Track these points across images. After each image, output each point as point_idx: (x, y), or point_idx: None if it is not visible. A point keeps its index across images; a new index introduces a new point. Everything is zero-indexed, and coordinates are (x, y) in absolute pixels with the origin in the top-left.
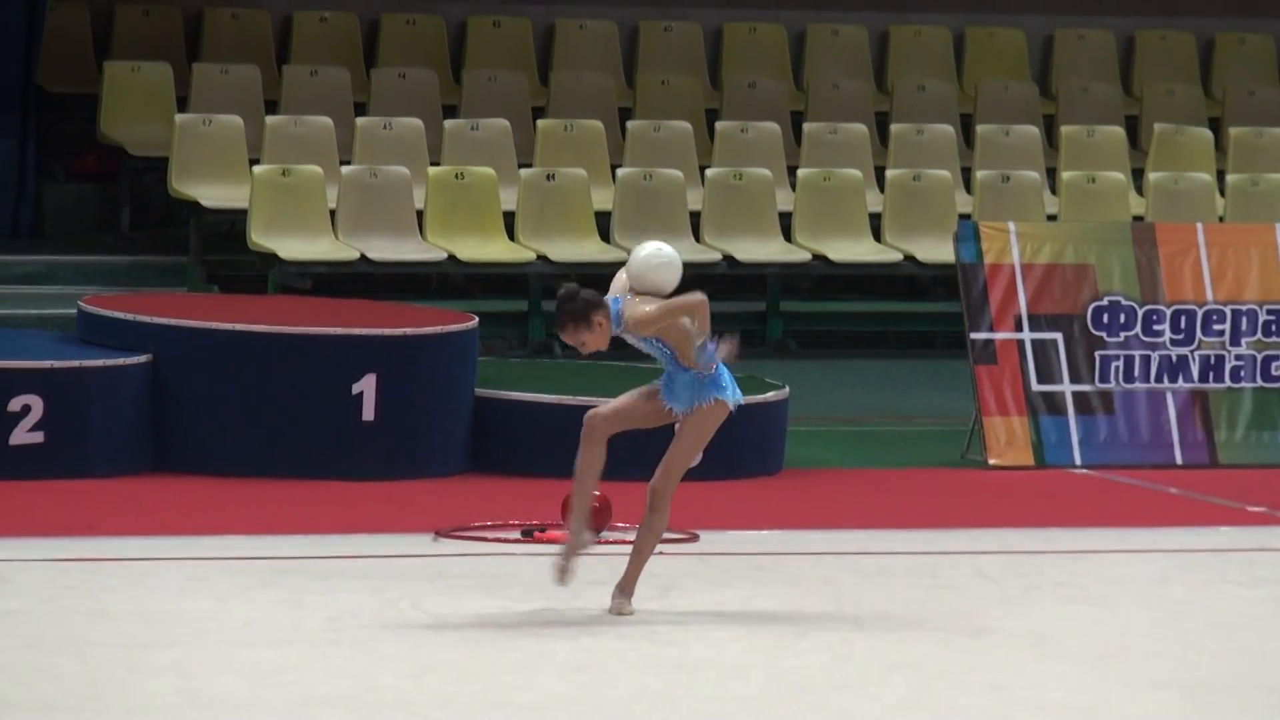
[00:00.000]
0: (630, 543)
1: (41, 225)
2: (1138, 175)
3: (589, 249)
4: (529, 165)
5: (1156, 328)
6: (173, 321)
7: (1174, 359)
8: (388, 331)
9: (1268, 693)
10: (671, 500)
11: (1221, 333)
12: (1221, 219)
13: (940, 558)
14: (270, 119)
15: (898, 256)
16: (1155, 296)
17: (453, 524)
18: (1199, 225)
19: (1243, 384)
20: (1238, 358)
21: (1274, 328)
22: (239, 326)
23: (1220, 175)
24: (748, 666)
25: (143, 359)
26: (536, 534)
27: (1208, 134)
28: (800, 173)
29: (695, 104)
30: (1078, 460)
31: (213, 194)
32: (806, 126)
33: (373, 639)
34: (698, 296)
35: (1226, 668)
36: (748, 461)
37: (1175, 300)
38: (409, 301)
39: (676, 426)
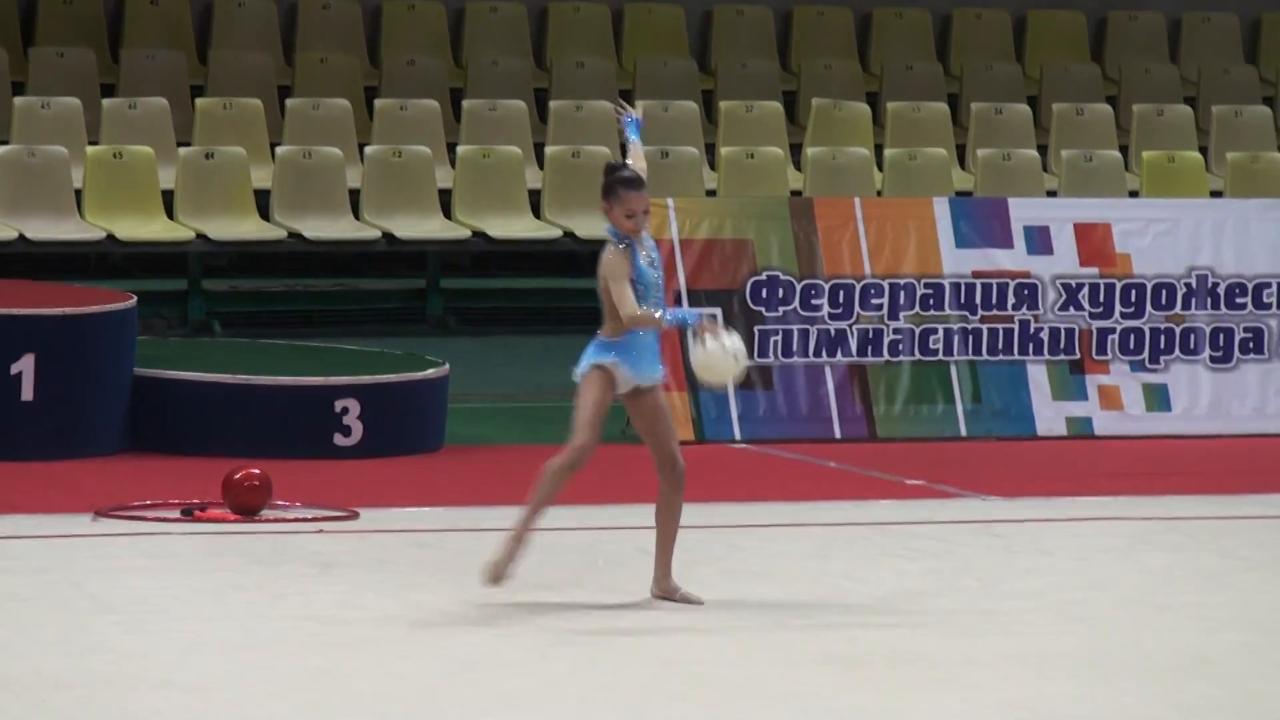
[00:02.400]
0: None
1: None
2: (796, 150)
3: (248, 227)
4: (188, 144)
5: (815, 302)
6: None
7: (832, 333)
8: (46, 311)
9: (928, 666)
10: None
11: (879, 307)
12: (880, 193)
13: (602, 532)
14: None
15: (557, 233)
16: (813, 271)
17: (112, 503)
18: (857, 200)
19: (901, 358)
20: (896, 331)
21: (931, 302)
22: None
23: (878, 150)
24: (409, 643)
25: None
26: (197, 513)
27: (866, 109)
28: (460, 150)
29: (354, 82)
30: (737, 435)
31: None
32: (466, 104)
33: (33, 621)
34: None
35: (886, 640)
36: (408, 439)
37: (833, 275)
38: (69, 281)
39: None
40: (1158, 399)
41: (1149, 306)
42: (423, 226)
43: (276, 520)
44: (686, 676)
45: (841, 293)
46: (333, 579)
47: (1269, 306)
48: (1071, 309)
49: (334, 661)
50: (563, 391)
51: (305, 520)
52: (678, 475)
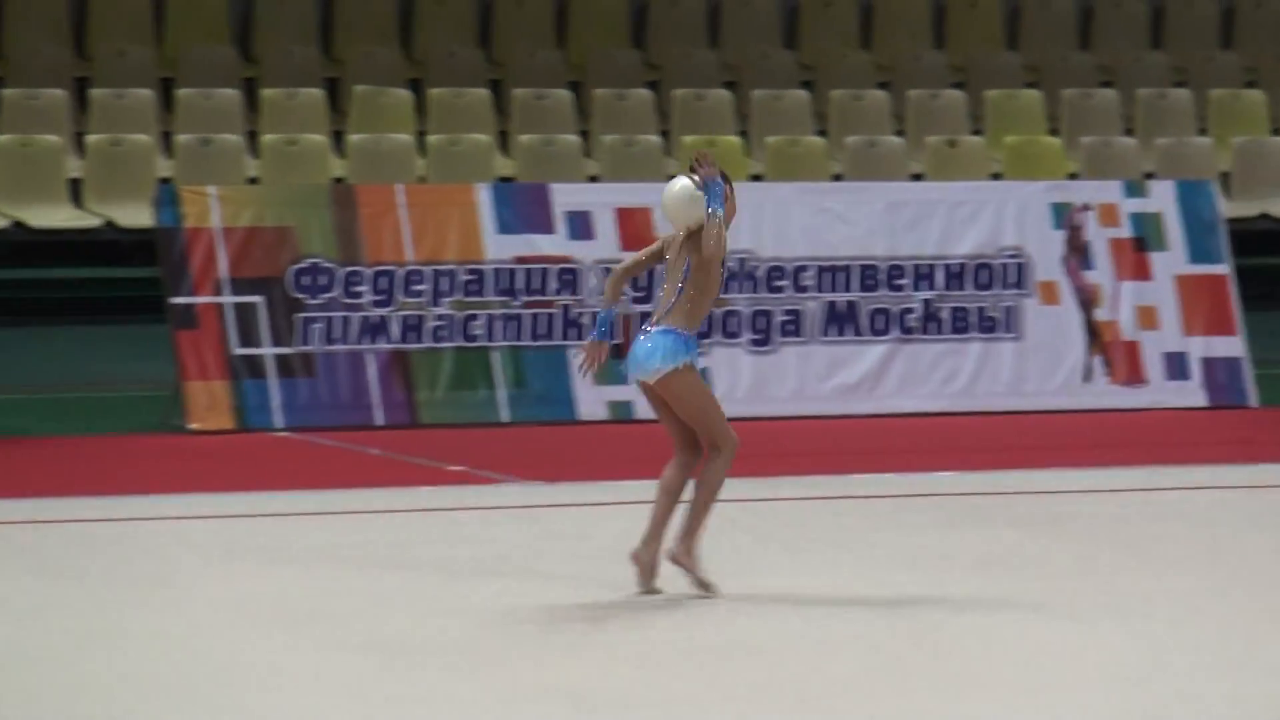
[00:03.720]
0: None
1: None
2: (339, 137)
3: None
4: None
5: (357, 289)
6: None
7: (375, 320)
8: None
9: (463, 652)
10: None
11: (422, 293)
12: (422, 180)
13: (141, 524)
14: None
15: (98, 222)
16: (356, 258)
17: None
18: (399, 186)
19: (443, 344)
20: (438, 318)
21: (474, 288)
22: None
23: (421, 136)
24: None
25: None
26: None
27: (409, 95)
28: (2, 139)
29: None
30: (279, 423)
31: None
32: (4, 93)
33: None
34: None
35: (413, 628)
36: None
37: (376, 261)
38: None
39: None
40: None
41: None
42: None
43: None
44: (230, 667)
45: (384, 279)
46: None
47: (807, 289)
48: None
49: None
50: (103, 382)
51: None
52: (728, 450)
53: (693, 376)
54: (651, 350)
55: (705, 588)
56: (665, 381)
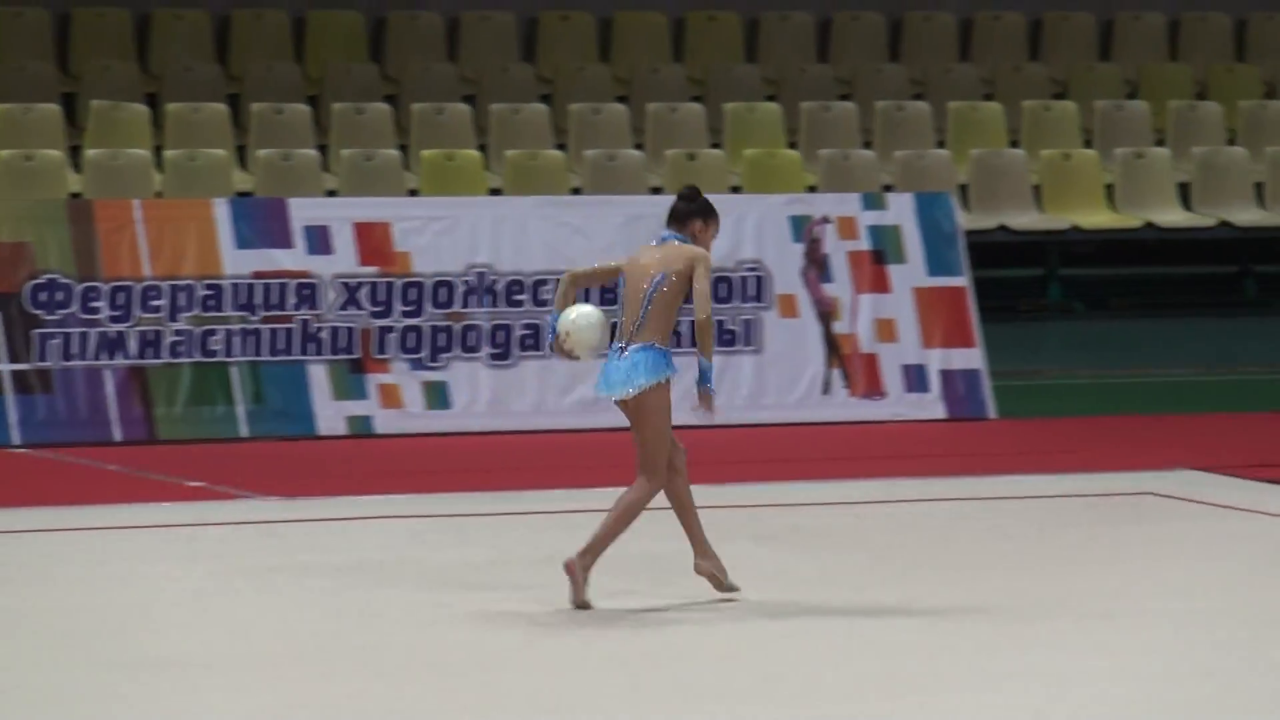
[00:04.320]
0: None
1: None
2: (76, 152)
3: None
4: None
5: (94, 305)
6: None
7: (112, 336)
8: None
9: (206, 667)
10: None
11: (160, 309)
12: (160, 195)
13: None
14: None
15: None
16: (93, 273)
17: None
18: (136, 201)
19: (181, 359)
20: (177, 333)
21: (212, 303)
22: None
23: (158, 151)
24: None
25: None
26: None
27: (145, 110)
28: None
29: None
30: (17, 439)
31: None
32: None
33: None
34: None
35: (167, 643)
36: None
37: (113, 277)
38: None
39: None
40: (438, 396)
41: (429, 305)
42: None
43: None
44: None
45: (121, 295)
46: None
47: (546, 303)
48: (352, 308)
49: None
50: None
51: None
52: (680, 460)
53: (666, 398)
54: (634, 366)
55: (583, 605)
56: (643, 396)
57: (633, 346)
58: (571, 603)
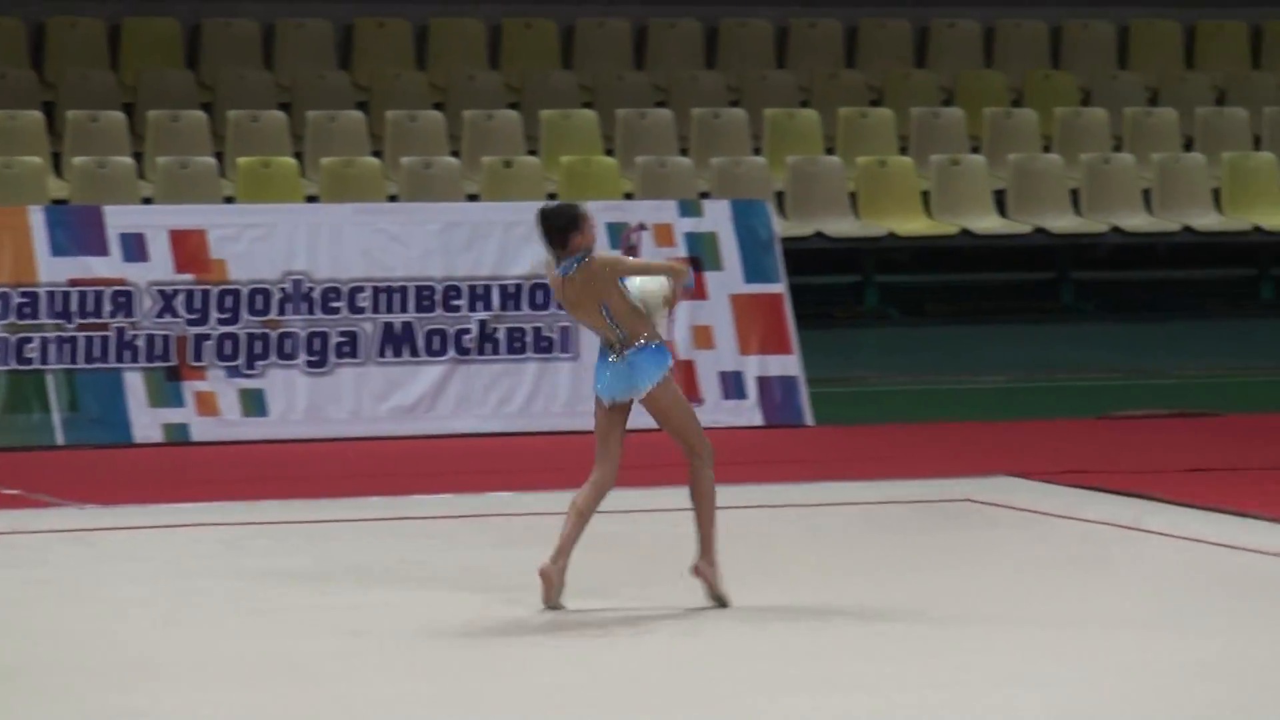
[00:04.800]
0: None
1: None
2: None
3: None
4: None
5: None
6: None
7: None
8: None
9: (34, 675)
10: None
11: None
12: None
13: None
14: None
15: None
16: None
17: None
18: None
19: None
20: None
21: (27, 310)
22: None
23: None
24: None
25: None
26: None
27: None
28: None
29: None
30: None
31: None
32: None
33: None
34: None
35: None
36: None
37: None
38: None
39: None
40: (254, 404)
41: (245, 312)
42: None
43: None
44: None
45: None
46: None
47: (363, 310)
48: (168, 316)
49: None
50: None
51: None
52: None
53: (675, 388)
54: (632, 367)
55: (720, 600)
56: (654, 395)
57: (629, 351)
58: (708, 600)
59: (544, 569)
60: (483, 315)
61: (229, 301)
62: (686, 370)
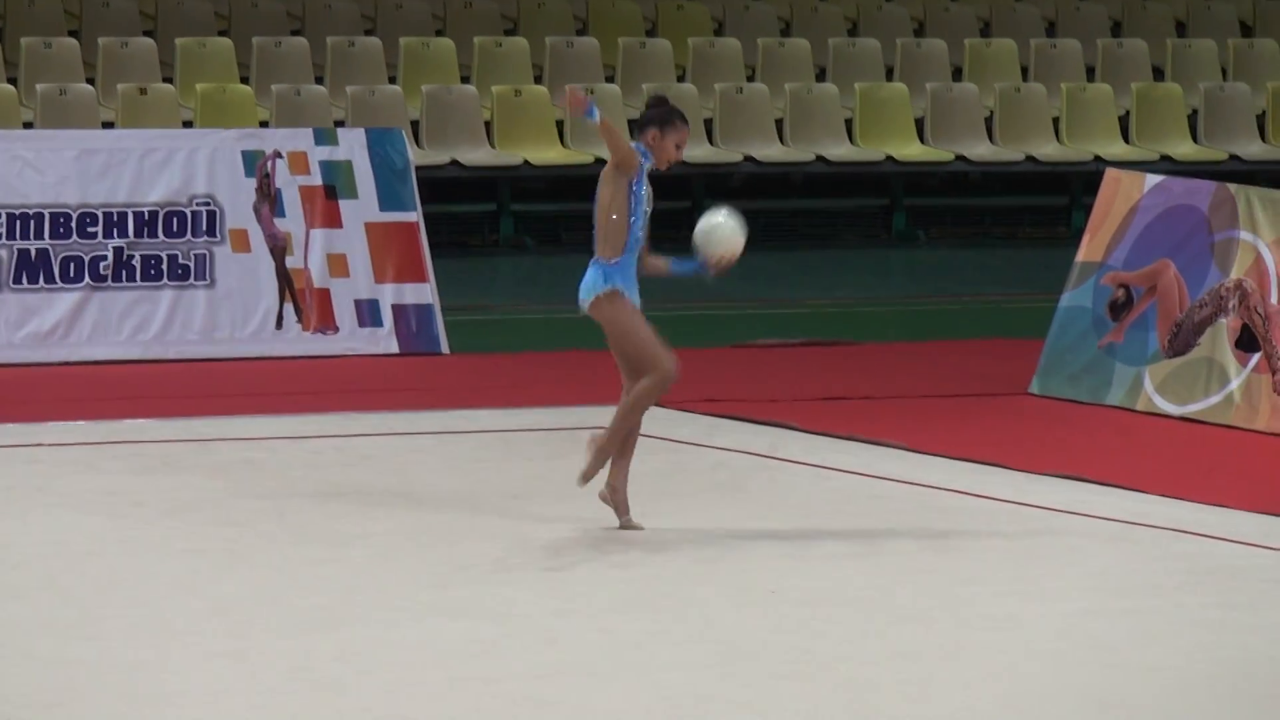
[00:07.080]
0: None
1: None
2: None
3: None
4: None
5: None
6: None
7: None
8: None
9: None
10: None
11: None
12: None
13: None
14: None
15: None
16: None
17: None
18: None
19: None
20: None
21: None
22: None
23: None
24: None
25: None
26: None
27: None
28: None
29: None
30: None
31: None
32: None
33: None
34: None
35: None
36: None
37: None
38: None
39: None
40: None
41: None
42: None
43: None
44: None
45: None
46: None
47: None
48: None
49: None
50: None
51: None
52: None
53: (615, 305)
54: (581, 284)
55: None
56: (595, 311)
57: (590, 260)
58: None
59: (602, 494)
60: (118, 242)
61: None
62: (321, 298)
